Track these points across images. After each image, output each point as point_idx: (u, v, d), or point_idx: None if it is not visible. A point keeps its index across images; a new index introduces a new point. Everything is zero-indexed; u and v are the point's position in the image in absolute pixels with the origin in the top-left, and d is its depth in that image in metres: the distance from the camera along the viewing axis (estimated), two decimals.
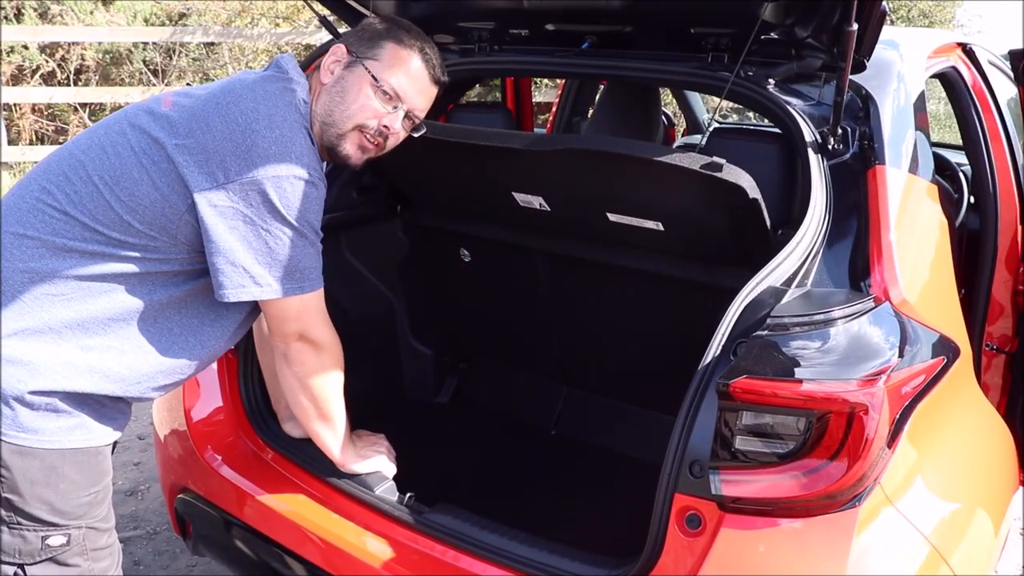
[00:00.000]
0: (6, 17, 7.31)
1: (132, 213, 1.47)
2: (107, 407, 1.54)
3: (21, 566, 1.47)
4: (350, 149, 1.64)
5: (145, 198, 1.46)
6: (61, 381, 1.45)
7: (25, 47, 7.27)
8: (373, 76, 1.61)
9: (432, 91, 1.71)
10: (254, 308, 1.64)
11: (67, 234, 1.46)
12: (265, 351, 1.99)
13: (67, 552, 1.50)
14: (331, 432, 1.78)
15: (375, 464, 1.88)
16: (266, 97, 1.50)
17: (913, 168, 1.83)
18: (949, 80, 2.40)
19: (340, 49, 1.64)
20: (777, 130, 1.96)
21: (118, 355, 1.51)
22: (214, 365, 2.05)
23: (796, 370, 1.40)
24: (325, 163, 2.32)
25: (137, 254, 1.49)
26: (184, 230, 1.48)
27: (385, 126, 1.63)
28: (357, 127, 1.62)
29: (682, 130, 5.01)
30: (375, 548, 1.73)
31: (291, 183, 1.46)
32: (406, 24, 1.70)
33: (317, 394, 1.70)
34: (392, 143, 1.69)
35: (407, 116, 1.67)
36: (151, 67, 7.98)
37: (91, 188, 1.47)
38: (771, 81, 1.89)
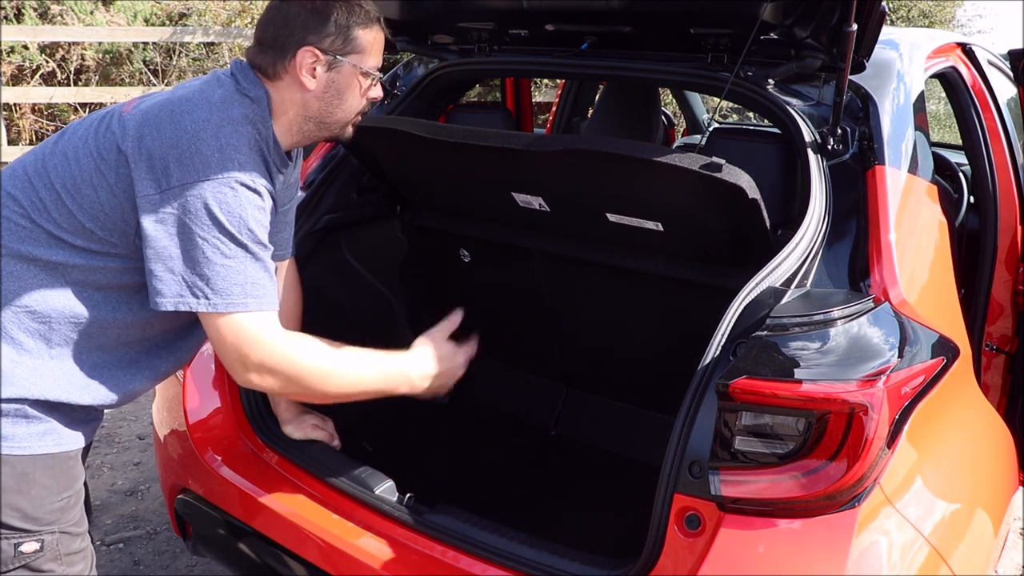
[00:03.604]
0: (6, 17, 7.30)
1: (94, 220, 1.46)
2: (77, 413, 1.53)
3: None
4: (351, 129, 1.70)
5: (105, 204, 1.46)
6: (29, 388, 1.45)
7: (25, 47, 7.26)
8: (363, 71, 1.62)
9: None
10: None
11: (32, 242, 1.46)
12: None
13: (41, 558, 1.50)
14: (372, 370, 1.64)
15: (448, 362, 1.79)
16: (221, 109, 1.48)
17: (913, 168, 1.83)
18: (949, 80, 2.40)
19: (312, 52, 1.55)
20: (777, 130, 1.96)
21: (82, 365, 1.50)
22: (212, 366, 2.06)
23: (796, 370, 1.40)
24: (318, 164, 2.31)
25: (100, 262, 1.48)
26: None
27: (373, 98, 1.69)
28: (358, 113, 1.68)
29: (682, 130, 5.01)
30: (375, 549, 1.73)
31: (232, 188, 1.43)
32: None
33: (317, 389, 1.58)
34: None
35: None
36: (151, 67, 7.98)
37: (54, 195, 1.47)
38: (771, 81, 1.89)
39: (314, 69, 1.57)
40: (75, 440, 1.54)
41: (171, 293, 1.44)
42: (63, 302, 1.47)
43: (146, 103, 1.53)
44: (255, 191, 1.47)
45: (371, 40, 1.62)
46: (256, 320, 1.48)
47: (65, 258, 1.46)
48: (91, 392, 1.52)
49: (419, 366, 1.74)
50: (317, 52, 1.56)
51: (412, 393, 1.73)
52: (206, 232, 1.42)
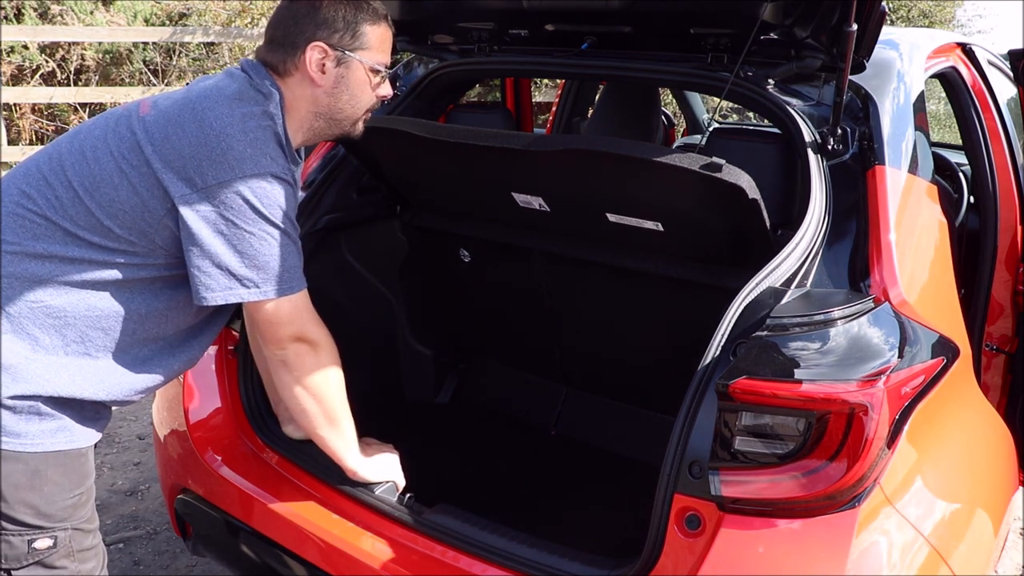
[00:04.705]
0: (6, 17, 7.30)
1: (113, 219, 1.47)
2: (88, 409, 1.54)
3: (8, 571, 1.47)
4: (361, 126, 1.73)
5: (125, 203, 1.47)
6: (43, 385, 1.46)
7: (25, 47, 7.26)
8: (372, 67, 1.65)
9: None
10: (226, 316, 1.68)
11: (47, 239, 1.47)
12: (261, 355, 1.99)
13: (54, 555, 1.51)
14: (340, 436, 1.75)
15: (386, 472, 1.85)
16: (240, 104, 1.52)
17: (913, 168, 1.83)
18: (949, 80, 2.40)
19: (321, 48, 1.58)
20: (777, 130, 1.96)
21: (96, 361, 1.51)
22: (212, 366, 2.06)
23: (796, 371, 1.40)
24: (319, 165, 2.31)
25: (118, 259, 1.49)
26: (163, 234, 1.49)
27: (382, 96, 1.71)
28: (367, 110, 1.71)
29: (682, 130, 5.01)
30: (375, 549, 1.73)
31: (268, 182, 1.49)
32: None
33: (322, 395, 1.68)
34: None
35: None
36: (151, 67, 7.98)
37: (71, 193, 1.48)
38: (771, 81, 1.89)
39: (323, 64, 1.60)
40: (86, 437, 1.55)
41: (219, 287, 1.49)
42: (79, 298, 1.48)
43: (163, 103, 1.55)
44: (287, 181, 1.53)
45: (379, 36, 1.65)
46: (302, 297, 1.60)
47: (81, 255, 1.48)
48: (105, 388, 1.53)
49: (359, 465, 1.81)
50: (326, 48, 1.59)
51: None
52: (252, 226, 1.48)
